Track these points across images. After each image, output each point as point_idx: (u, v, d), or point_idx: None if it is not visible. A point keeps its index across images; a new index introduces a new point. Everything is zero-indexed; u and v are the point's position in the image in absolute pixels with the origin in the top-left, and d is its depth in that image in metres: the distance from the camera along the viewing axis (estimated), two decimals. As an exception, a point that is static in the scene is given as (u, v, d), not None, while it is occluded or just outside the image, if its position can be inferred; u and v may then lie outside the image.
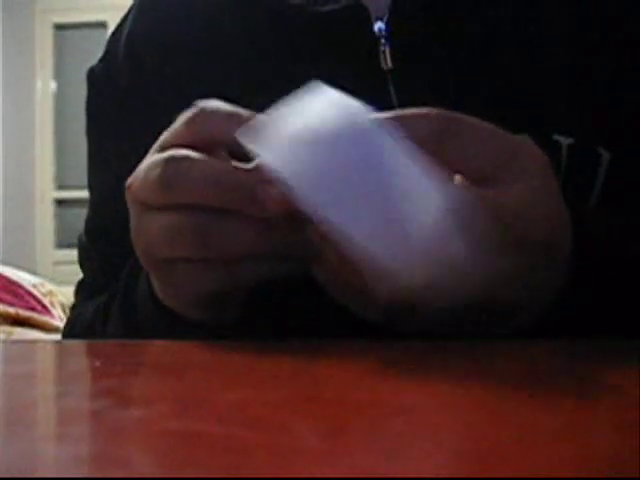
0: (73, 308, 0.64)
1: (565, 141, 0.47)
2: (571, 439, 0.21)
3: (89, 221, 0.63)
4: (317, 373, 0.32)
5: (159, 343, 0.41)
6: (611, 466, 0.19)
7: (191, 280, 0.39)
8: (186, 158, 0.37)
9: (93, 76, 0.63)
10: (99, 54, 0.64)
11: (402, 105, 0.38)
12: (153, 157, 0.39)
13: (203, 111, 0.38)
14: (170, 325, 0.44)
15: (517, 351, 0.37)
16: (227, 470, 0.19)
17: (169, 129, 0.40)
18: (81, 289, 0.63)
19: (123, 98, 0.59)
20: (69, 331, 0.61)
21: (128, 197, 0.41)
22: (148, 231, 0.39)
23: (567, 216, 0.39)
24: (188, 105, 0.40)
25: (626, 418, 0.24)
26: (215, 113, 0.38)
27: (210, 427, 0.23)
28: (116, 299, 0.51)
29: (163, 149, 0.39)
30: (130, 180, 0.40)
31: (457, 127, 0.36)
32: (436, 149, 0.35)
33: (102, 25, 4.37)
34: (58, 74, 4.77)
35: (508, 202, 0.36)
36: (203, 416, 0.25)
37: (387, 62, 0.50)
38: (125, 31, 0.61)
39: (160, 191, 0.38)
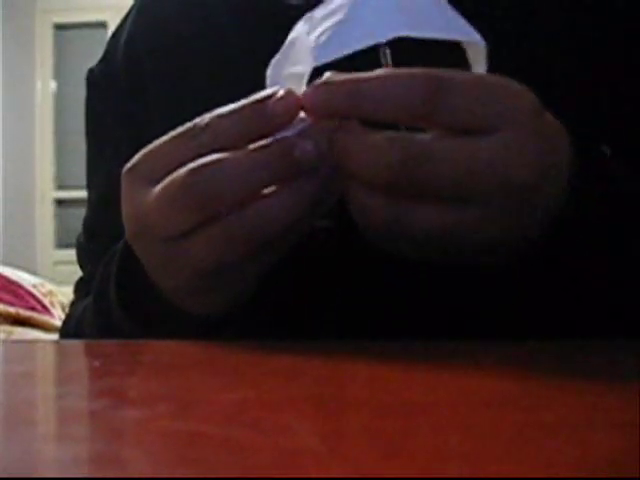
0: (71, 306, 0.64)
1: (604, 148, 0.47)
2: (571, 439, 0.21)
3: (87, 220, 0.63)
4: (317, 373, 0.32)
5: (159, 343, 0.41)
6: (611, 466, 0.19)
7: (245, 275, 0.39)
8: (210, 163, 0.35)
9: (92, 77, 0.63)
10: (99, 54, 0.64)
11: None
12: (159, 186, 0.37)
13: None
14: (141, 328, 0.44)
15: (516, 351, 0.37)
16: (227, 470, 0.19)
17: (146, 153, 0.39)
18: (79, 287, 0.64)
19: (122, 99, 0.60)
20: (63, 330, 0.61)
21: (139, 242, 0.39)
22: (186, 259, 0.37)
23: (566, 156, 0.38)
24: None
25: (626, 418, 0.24)
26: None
27: (210, 427, 0.23)
28: (89, 307, 0.52)
29: (155, 170, 0.38)
30: (134, 227, 0.39)
31: (448, 85, 0.35)
32: (429, 110, 0.34)
33: (102, 25, 4.37)
34: (58, 74, 4.76)
35: (481, 151, 0.35)
36: (203, 416, 0.25)
37: (387, 62, 0.50)
38: (125, 32, 0.61)
39: (193, 211, 0.36)
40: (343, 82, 0.35)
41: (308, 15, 0.38)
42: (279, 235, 0.36)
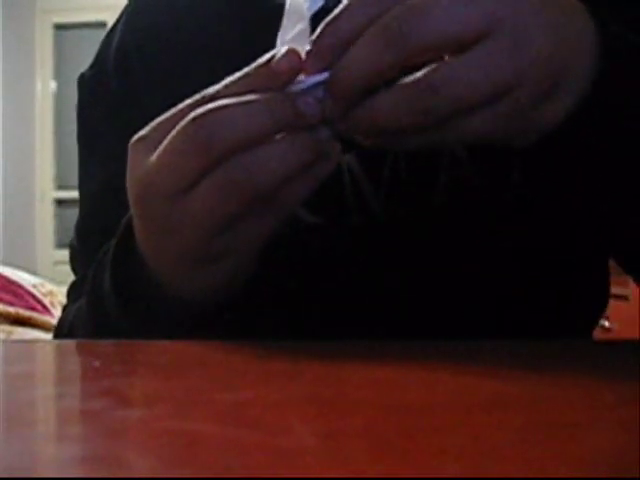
0: (64, 309, 0.64)
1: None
2: (571, 439, 0.21)
3: (79, 224, 0.63)
4: (317, 373, 0.32)
5: (159, 343, 0.41)
6: (611, 466, 0.19)
7: (248, 235, 0.39)
8: (215, 109, 0.36)
9: (83, 82, 0.63)
10: (98, 54, 0.64)
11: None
12: (167, 138, 0.38)
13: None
14: (136, 321, 0.44)
15: (517, 351, 0.37)
16: (227, 470, 0.19)
17: (152, 123, 0.39)
18: (72, 290, 0.64)
19: (113, 104, 0.60)
20: (57, 331, 0.61)
21: (142, 205, 0.40)
22: (191, 216, 0.38)
23: (588, 31, 0.38)
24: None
25: (626, 418, 0.24)
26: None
27: (210, 427, 0.23)
28: (84, 305, 0.52)
29: (157, 142, 0.38)
30: (137, 188, 0.39)
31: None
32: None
33: (102, 25, 4.37)
34: (58, 74, 4.77)
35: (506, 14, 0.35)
36: (203, 416, 0.25)
37: None
38: (116, 37, 0.61)
39: (199, 154, 0.36)
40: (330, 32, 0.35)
41: None
42: (275, 187, 0.37)
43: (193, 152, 0.36)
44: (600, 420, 0.24)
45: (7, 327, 1.49)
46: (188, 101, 0.38)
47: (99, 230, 0.60)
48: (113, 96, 0.60)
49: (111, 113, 0.60)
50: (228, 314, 0.43)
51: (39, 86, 4.75)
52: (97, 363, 0.36)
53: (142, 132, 0.39)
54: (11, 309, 1.55)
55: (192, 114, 0.37)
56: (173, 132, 0.37)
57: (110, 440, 0.22)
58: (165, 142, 0.38)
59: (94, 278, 0.49)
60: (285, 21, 0.38)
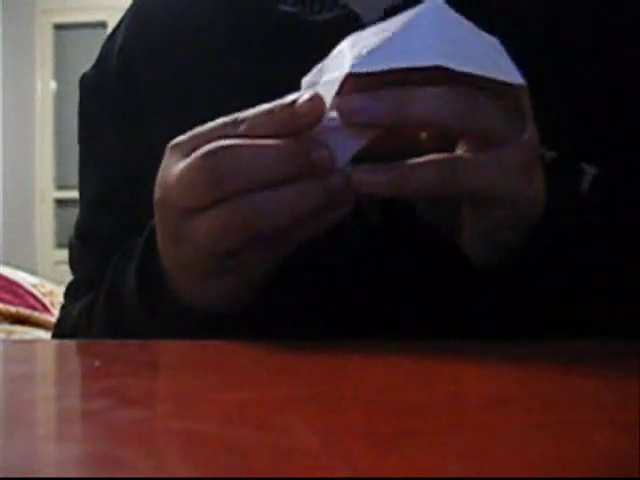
0: (63, 308, 0.64)
1: (548, 154, 0.48)
2: (571, 439, 0.21)
3: (79, 224, 0.63)
4: (317, 373, 0.32)
5: (159, 343, 0.41)
6: (610, 466, 0.19)
7: (250, 264, 0.40)
8: (230, 146, 0.37)
9: (85, 82, 0.63)
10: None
11: None
12: (186, 160, 0.38)
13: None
14: (156, 321, 0.44)
15: (517, 351, 0.37)
16: (227, 470, 0.19)
17: (192, 132, 0.40)
18: (71, 290, 0.64)
19: (114, 106, 0.60)
20: (57, 331, 0.61)
21: (160, 211, 0.40)
22: (196, 235, 0.39)
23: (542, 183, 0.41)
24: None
25: (626, 418, 0.24)
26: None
27: (210, 427, 0.23)
28: (99, 299, 0.52)
29: (187, 153, 0.39)
30: (159, 194, 0.40)
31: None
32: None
33: (102, 25, 4.37)
34: (58, 74, 4.76)
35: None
36: (203, 416, 0.25)
37: None
38: (118, 38, 0.61)
39: (208, 187, 0.37)
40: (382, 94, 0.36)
41: (357, 33, 0.39)
42: (281, 229, 0.37)
43: (201, 184, 0.37)
44: (600, 420, 0.24)
45: (8, 327, 1.49)
46: (224, 118, 0.39)
47: (99, 230, 0.60)
48: (115, 98, 0.60)
49: (112, 114, 0.60)
50: (233, 325, 0.43)
51: (39, 86, 4.75)
52: (97, 363, 0.36)
53: (180, 138, 0.40)
54: (12, 308, 1.55)
55: (206, 147, 0.37)
56: (190, 158, 0.38)
57: (110, 440, 0.22)
58: (183, 163, 0.38)
59: (113, 277, 0.49)
60: (327, 61, 0.39)
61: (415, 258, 0.49)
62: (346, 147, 0.37)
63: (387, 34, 0.37)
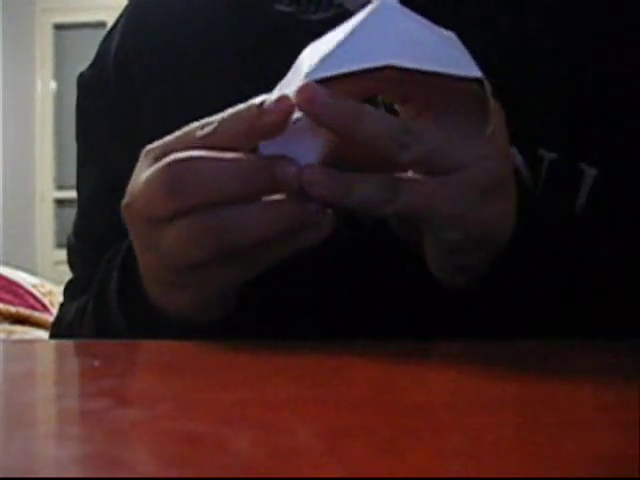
0: (61, 307, 0.64)
1: (548, 155, 0.48)
2: (571, 439, 0.21)
3: (77, 223, 0.64)
4: (317, 373, 0.32)
5: (159, 343, 0.41)
6: (611, 466, 0.19)
7: (215, 279, 0.39)
8: (191, 158, 0.36)
9: (83, 82, 0.63)
10: (97, 54, 0.64)
11: (389, 112, 0.39)
12: (151, 168, 0.38)
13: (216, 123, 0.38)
14: (135, 325, 0.44)
15: (516, 351, 0.37)
16: (227, 470, 0.19)
17: (165, 138, 0.39)
18: (69, 289, 0.64)
19: (113, 104, 0.60)
20: (54, 330, 0.62)
21: (128, 217, 0.40)
22: (160, 246, 0.38)
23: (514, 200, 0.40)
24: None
25: (626, 418, 0.24)
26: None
27: (210, 427, 0.23)
28: (90, 302, 0.52)
29: (157, 159, 0.38)
30: (127, 199, 0.40)
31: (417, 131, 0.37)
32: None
33: (102, 25, 4.37)
34: (58, 74, 4.76)
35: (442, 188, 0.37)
36: (203, 416, 0.25)
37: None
38: (116, 37, 0.61)
39: (169, 199, 0.37)
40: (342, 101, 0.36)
41: (318, 40, 0.38)
42: (247, 247, 0.37)
43: (163, 195, 0.37)
44: (600, 420, 0.24)
45: (8, 326, 1.49)
46: (196, 124, 0.38)
47: (96, 230, 0.60)
48: (112, 97, 0.60)
49: (110, 114, 0.60)
50: (216, 329, 0.43)
51: (39, 86, 4.75)
52: (97, 363, 0.36)
53: (155, 144, 0.40)
54: (12, 308, 1.55)
55: (169, 158, 0.37)
56: (154, 167, 0.38)
57: (110, 440, 0.22)
58: (149, 171, 0.38)
59: (101, 278, 0.49)
60: (289, 75, 0.39)
61: (407, 260, 0.49)
62: (309, 150, 0.37)
63: (341, 37, 0.36)
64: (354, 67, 0.35)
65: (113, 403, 0.27)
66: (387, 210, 0.37)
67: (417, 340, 0.38)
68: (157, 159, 0.38)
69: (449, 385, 0.29)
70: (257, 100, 0.37)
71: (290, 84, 0.38)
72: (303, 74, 0.36)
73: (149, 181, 0.38)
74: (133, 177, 0.40)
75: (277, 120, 0.36)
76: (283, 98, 0.36)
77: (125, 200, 0.40)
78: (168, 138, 0.39)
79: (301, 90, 0.35)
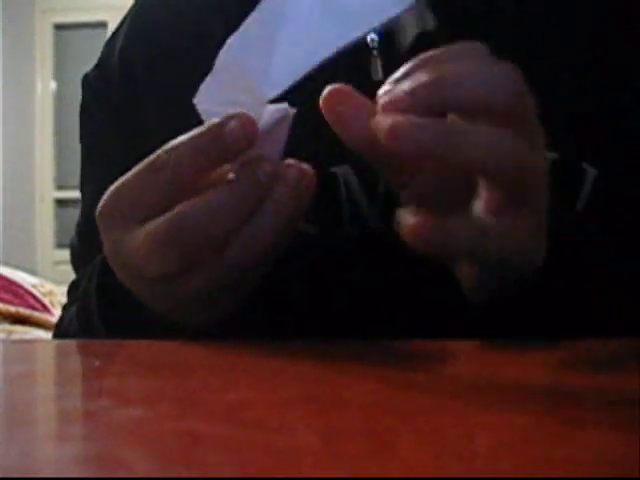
0: (64, 308, 0.64)
1: (549, 155, 0.48)
2: (571, 439, 0.21)
3: (80, 225, 0.64)
4: (317, 373, 0.32)
5: (159, 343, 0.41)
6: (611, 466, 0.19)
7: (189, 289, 0.38)
8: (184, 218, 0.36)
9: (87, 83, 0.63)
10: (99, 54, 0.64)
11: None
12: (144, 233, 0.37)
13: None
14: (115, 327, 0.44)
15: (517, 351, 0.37)
16: (227, 470, 0.19)
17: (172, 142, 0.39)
18: (72, 290, 0.64)
19: (116, 106, 0.60)
20: (56, 331, 0.62)
21: (128, 275, 0.40)
22: (171, 297, 0.39)
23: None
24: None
25: (626, 418, 0.24)
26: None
27: (210, 427, 0.23)
28: (77, 307, 0.52)
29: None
30: (128, 262, 0.39)
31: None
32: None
33: (102, 25, 4.37)
34: (58, 74, 4.76)
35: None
36: (203, 416, 0.25)
37: (378, 73, 0.50)
38: (120, 39, 0.61)
39: (176, 262, 0.36)
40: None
41: (231, 41, 0.38)
42: (219, 235, 0.37)
43: (172, 256, 0.36)
44: (600, 420, 0.24)
45: (8, 326, 1.49)
46: (141, 165, 0.38)
47: (97, 233, 0.60)
48: (116, 98, 0.60)
49: (113, 115, 0.60)
50: (214, 329, 0.43)
51: (39, 86, 4.75)
52: (97, 363, 0.36)
53: (104, 202, 0.40)
54: (11, 307, 1.55)
55: (169, 216, 0.36)
56: (152, 228, 0.37)
57: (110, 440, 0.22)
58: (144, 235, 0.37)
59: (85, 289, 0.49)
60: (218, 74, 0.38)
61: (414, 261, 0.49)
62: (275, 143, 0.36)
63: (275, 31, 0.35)
64: (306, 68, 0.35)
65: (113, 403, 0.27)
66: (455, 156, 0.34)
67: (417, 340, 0.38)
68: (134, 219, 0.38)
69: (449, 385, 0.29)
70: (212, 126, 0.36)
71: (230, 88, 0.37)
72: (260, 96, 0.35)
73: (149, 246, 0.37)
74: (109, 243, 0.40)
75: (245, 146, 0.35)
76: (247, 120, 0.35)
77: (117, 266, 0.40)
78: (123, 194, 0.39)
79: (383, 126, 0.33)
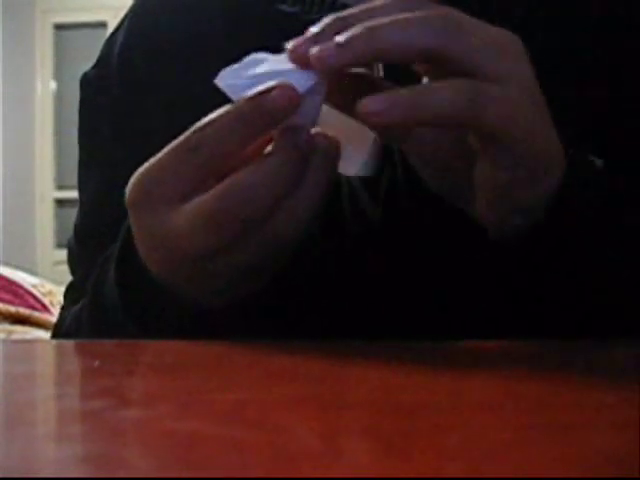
0: (62, 310, 0.64)
1: None
2: (571, 439, 0.21)
3: (78, 225, 0.63)
4: (317, 373, 0.32)
5: (159, 343, 0.41)
6: (611, 466, 0.19)
7: (232, 265, 0.39)
8: (231, 193, 0.36)
9: (86, 82, 0.63)
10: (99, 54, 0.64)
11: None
12: (190, 213, 0.38)
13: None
14: (142, 327, 0.44)
15: (516, 351, 0.37)
16: (227, 470, 0.19)
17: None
18: (70, 292, 0.64)
19: (115, 106, 0.60)
20: (55, 334, 0.61)
21: (170, 260, 0.40)
22: (210, 276, 0.39)
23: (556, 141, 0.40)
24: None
25: (626, 418, 0.24)
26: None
27: (210, 427, 0.23)
28: (85, 306, 0.52)
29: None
30: (171, 244, 0.39)
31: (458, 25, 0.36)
32: (442, 48, 0.35)
33: (102, 25, 4.37)
34: (58, 74, 4.76)
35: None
36: (203, 416, 0.25)
37: (379, 70, 0.50)
38: (119, 38, 0.61)
39: (227, 236, 0.37)
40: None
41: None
42: (263, 209, 0.37)
43: (222, 229, 0.37)
44: (600, 420, 0.24)
45: (8, 326, 1.49)
46: (175, 143, 0.38)
47: (97, 232, 0.60)
48: (115, 99, 0.60)
49: (112, 116, 0.60)
50: (228, 319, 0.43)
51: (39, 86, 4.75)
52: (97, 363, 0.36)
53: (136, 185, 0.39)
54: (11, 307, 1.55)
55: (214, 192, 0.37)
56: (197, 207, 0.37)
57: (110, 440, 0.22)
58: (191, 215, 0.37)
59: (95, 285, 0.49)
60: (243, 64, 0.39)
61: (414, 256, 0.49)
62: (310, 111, 0.37)
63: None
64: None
65: (113, 403, 0.27)
66: (474, 121, 0.35)
67: (417, 340, 0.38)
68: (175, 199, 0.38)
69: (449, 385, 0.29)
70: (254, 95, 0.36)
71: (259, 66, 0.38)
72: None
73: (198, 223, 0.37)
74: (147, 226, 0.40)
75: (287, 114, 0.36)
76: (287, 87, 0.35)
77: (158, 251, 0.40)
78: (158, 175, 0.39)
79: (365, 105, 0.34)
